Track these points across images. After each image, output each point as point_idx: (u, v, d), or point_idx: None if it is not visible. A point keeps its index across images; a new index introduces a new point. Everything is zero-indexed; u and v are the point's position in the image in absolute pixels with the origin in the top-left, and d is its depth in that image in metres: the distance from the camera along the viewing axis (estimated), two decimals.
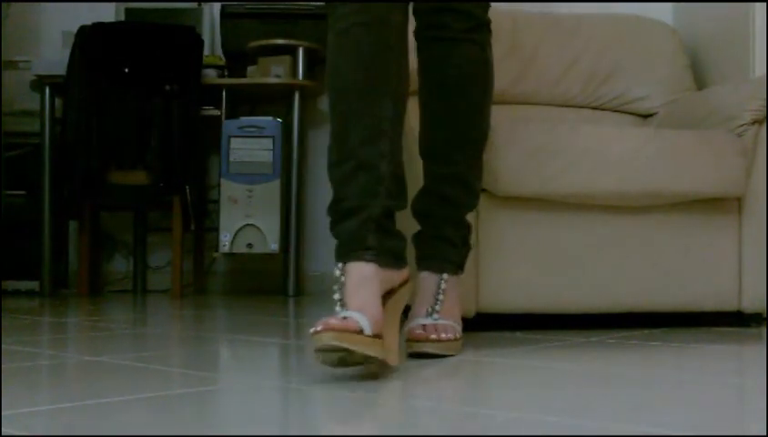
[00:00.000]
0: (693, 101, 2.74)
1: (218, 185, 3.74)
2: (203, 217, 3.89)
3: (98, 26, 3.61)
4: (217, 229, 3.71)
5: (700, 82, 2.96)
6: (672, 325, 2.32)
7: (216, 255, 3.88)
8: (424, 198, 1.84)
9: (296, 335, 2.29)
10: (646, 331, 2.21)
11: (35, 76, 3.80)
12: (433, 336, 1.68)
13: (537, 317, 2.29)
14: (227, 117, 3.78)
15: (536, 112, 2.85)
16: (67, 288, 3.97)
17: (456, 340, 1.72)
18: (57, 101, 3.78)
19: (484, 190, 2.21)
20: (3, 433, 1.00)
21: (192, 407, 1.20)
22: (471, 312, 2.20)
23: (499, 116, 2.52)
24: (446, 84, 1.79)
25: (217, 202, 3.77)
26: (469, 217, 1.88)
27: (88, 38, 3.58)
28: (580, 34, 2.93)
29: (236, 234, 3.62)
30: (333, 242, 1.60)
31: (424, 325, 1.71)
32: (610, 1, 3.14)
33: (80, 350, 1.94)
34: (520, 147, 2.18)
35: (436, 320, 1.72)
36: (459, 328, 1.76)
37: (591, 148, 2.21)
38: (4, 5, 4.00)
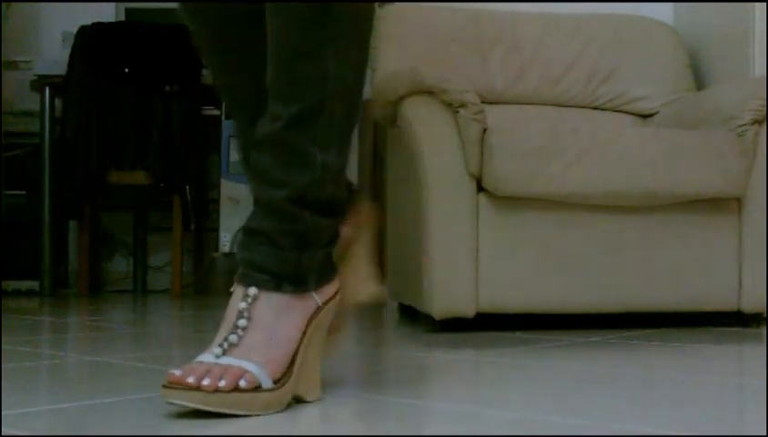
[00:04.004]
0: (693, 101, 2.74)
1: (218, 185, 3.74)
2: (203, 217, 3.89)
3: (98, 26, 3.61)
4: (217, 229, 3.71)
5: (700, 82, 2.96)
6: (672, 325, 2.32)
7: (216, 255, 3.88)
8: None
9: None
10: (646, 331, 2.21)
11: (35, 76, 3.79)
12: (190, 379, 1.08)
13: (537, 317, 2.29)
14: (227, 117, 3.77)
15: (536, 112, 2.85)
16: (67, 288, 3.97)
17: (239, 390, 1.10)
18: (57, 101, 3.78)
19: (484, 190, 2.21)
20: (3, 433, 1.00)
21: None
22: (471, 312, 2.20)
23: (499, 117, 2.53)
24: None
25: (217, 202, 3.76)
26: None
27: (88, 38, 3.58)
28: (580, 34, 2.93)
29: (236, 234, 3.62)
30: None
31: (200, 363, 1.12)
32: (610, 1, 3.14)
33: (80, 350, 1.94)
34: (520, 148, 2.18)
35: (218, 357, 1.13)
36: (261, 375, 1.13)
37: (591, 148, 2.21)
38: (4, 4, 4.00)
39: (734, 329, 2.31)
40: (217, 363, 1.11)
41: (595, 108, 2.91)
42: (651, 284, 2.29)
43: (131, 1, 4.02)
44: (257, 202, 1.21)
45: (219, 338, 1.16)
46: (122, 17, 3.98)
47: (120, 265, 4.16)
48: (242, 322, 1.15)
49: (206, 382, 1.08)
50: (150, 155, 3.60)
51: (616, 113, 2.90)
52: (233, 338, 1.14)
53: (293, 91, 1.17)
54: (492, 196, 2.21)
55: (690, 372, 1.58)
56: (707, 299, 2.33)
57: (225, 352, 1.13)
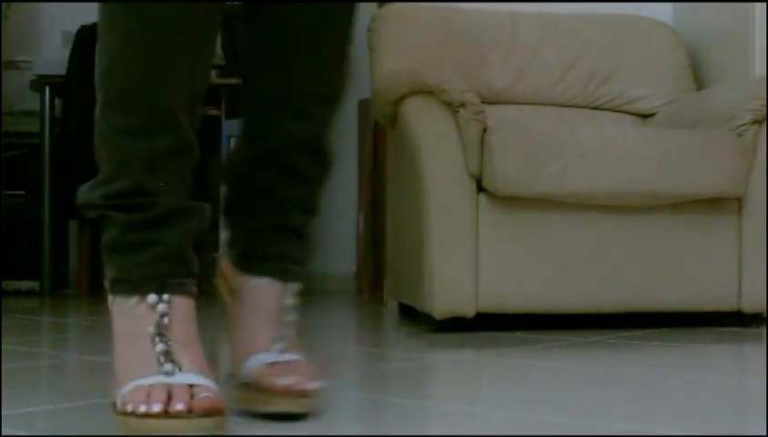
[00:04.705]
0: (693, 101, 2.74)
1: (218, 185, 3.73)
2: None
3: None
4: (217, 229, 3.70)
5: (700, 82, 2.96)
6: (672, 325, 2.32)
7: (216, 255, 3.87)
8: (256, 166, 1.24)
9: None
10: (646, 331, 2.21)
11: (35, 76, 3.79)
12: (301, 386, 1.10)
13: (537, 317, 2.29)
14: (227, 117, 3.77)
15: (536, 112, 2.85)
16: (67, 288, 3.97)
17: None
18: (57, 101, 3.77)
19: (484, 190, 2.21)
20: (3, 433, 1.00)
21: None
22: (471, 312, 2.20)
23: (499, 117, 2.53)
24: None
25: (217, 202, 3.75)
26: None
27: (88, 38, 3.58)
28: (580, 34, 2.93)
29: None
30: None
31: (273, 364, 1.12)
32: (610, 1, 3.14)
33: (80, 350, 1.94)
34: (520, 148, 2.18)
35: (281, 353, 1.14)
36: None
37: (591, 148, 2.21)
38: (4, 4, 4.00)
39: (734, 329, 2.31)
40: (287, 361, 1.12)
41: (595, 108, 2.90)
42: (651, 284, 2.29)
43: None
44: (277, 197, 1.21)
45: (271, 335, 1.15)
46: None
47: None
48: (291, 317, 1.17)
49: (315, 385, 1.10)
50: None
51: (616, 113, 2.90)
52: (285, 334, 1.15)
53: (331, 92, 1.22)
54: (492, 196, 2.21)
55: (690, 372, 1.58)
56: (707, 299, 2.32)
57: (285, 350, 1.14)
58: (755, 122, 2.33)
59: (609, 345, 1.96)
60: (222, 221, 1.30)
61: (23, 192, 3.85)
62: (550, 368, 1.63)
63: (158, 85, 1.06)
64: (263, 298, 1.18)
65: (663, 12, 3.23)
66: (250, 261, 1.20)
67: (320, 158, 1.24)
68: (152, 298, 1.03)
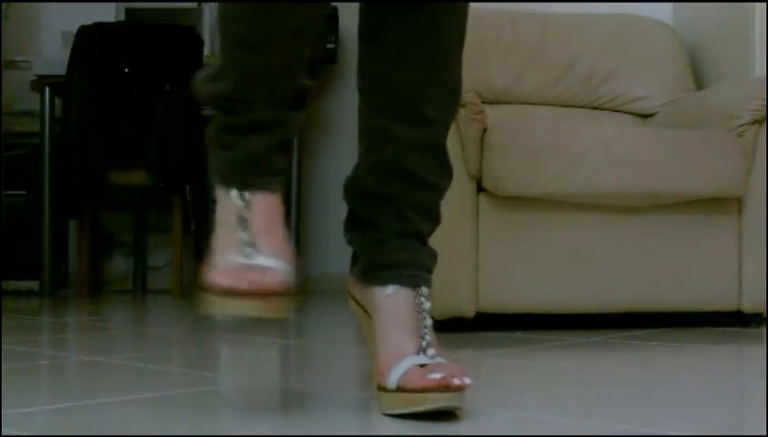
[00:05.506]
0: (693, 101, 2.74)
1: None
2: (203, 217, 3.89)
3: (98, 26, 3.61)
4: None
5: (700, 82, 2.96)
6: (672, 325, 2.32)
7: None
8: (376, 174, 1.24)
9: (296, 335, 2.29)
10: (646, 331, 2.21)
11: (35, 76, 3.79)
12: (456, 381, 1.08)
13: (537, 317, 2.29)
14: None
15: (536, 112, 2.85)
16: (67, 288, 3.97)
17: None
18: (57, 101, 3.77)
19: (484, 190, 2.21)
20: (3, 433, 1.00)
21: (192, 407, 1.20)
22: (471, 312, 2.20)
23: (499, 117, 2.53)
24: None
25: (214, 202, 3.75)
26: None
27: (88, 38, 3.58)
28: (580, 34, 2.93)
29: None
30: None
31: (424, 366, 1.12)
32: (610, 1, 3.14)
33: (80, 350, 1.94)
34: (520, 147, 2.18)
35: (433, 357, 1.15)
36: None
37: (592, 148, 2.21)
38: (4, 4, 4.00)
39: (734, 329, 2.31)
40: (439, 363, 1.13)
41: (595, 108, 2.91)
42: (651, 284, 2.29)
43: (131, 1, 4.02)
44: (399, 204, 1.22)
45: (417, 341, 1.16)
46: (122, 17, 3.98)
47: (120, 265, 4.16)
48: (429, 322, 1.19)
49: (468, 381, 1.09)
50: (150, 155, 3.60)
51: (616, 113, 2.90)
52: (429, 338, 1.18)
53: (448, 96, 1.24)
54: (492, 196, 2.21)
55: (690, 372, 1.58)
56: (707, 299, 2.33)
57: (434, 355, 1.15)
58: (755, 122, 2.33)
59: (609, 345, 1.96)
60: (345, 239, 1.30)
61: (23, 192, 3.85)
62: (550, 368, 1.63)
63: (270, 7, 1.11)
64: (399, 306, 1.20)
65: (663, 12, 3.23)
66: (378, 270, 1.22)
67: (441, 164, 1.25)
68: (234, 193, 1.17)
